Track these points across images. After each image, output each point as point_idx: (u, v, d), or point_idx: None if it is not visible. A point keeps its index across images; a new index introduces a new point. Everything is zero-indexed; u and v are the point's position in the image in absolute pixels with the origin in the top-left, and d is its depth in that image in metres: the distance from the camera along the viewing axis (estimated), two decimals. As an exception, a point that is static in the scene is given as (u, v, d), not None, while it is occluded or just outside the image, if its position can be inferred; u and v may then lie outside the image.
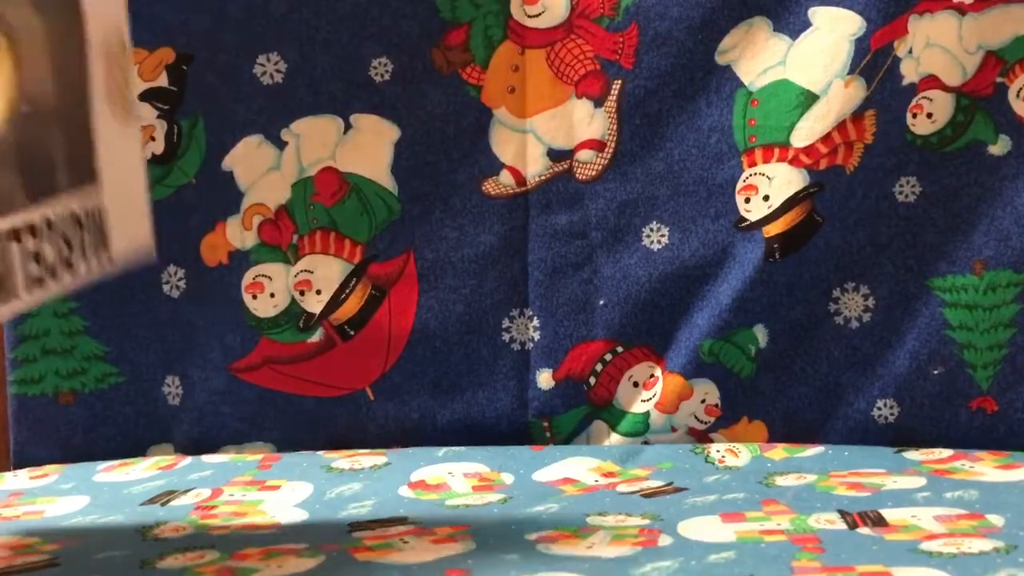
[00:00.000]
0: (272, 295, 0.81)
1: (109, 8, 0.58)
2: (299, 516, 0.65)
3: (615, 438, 0.79)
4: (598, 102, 0.79)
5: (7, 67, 0.50)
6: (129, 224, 0.59)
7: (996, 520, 0.57)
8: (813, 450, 0.73)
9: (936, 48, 0.75)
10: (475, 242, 0.80)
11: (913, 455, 0.71)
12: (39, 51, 0.52)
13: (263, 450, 0.80)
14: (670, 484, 0.68)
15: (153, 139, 0.80)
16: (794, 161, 0.75)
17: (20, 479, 0.77)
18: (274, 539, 0.59)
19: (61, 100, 0.54)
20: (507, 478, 0.71)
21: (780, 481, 0.67)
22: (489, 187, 0.80)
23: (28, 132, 0.51)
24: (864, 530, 0.56)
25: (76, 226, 0.53)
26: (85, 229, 0.54)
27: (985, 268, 0.75)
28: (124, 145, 0.58)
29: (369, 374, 0.81)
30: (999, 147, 0.75)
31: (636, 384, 0.79)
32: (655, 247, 0.78)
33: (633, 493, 0.66)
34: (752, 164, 0.77)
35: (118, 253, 0.57)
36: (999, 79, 0.75)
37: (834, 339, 0.77)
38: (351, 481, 0.71)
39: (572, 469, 0.72)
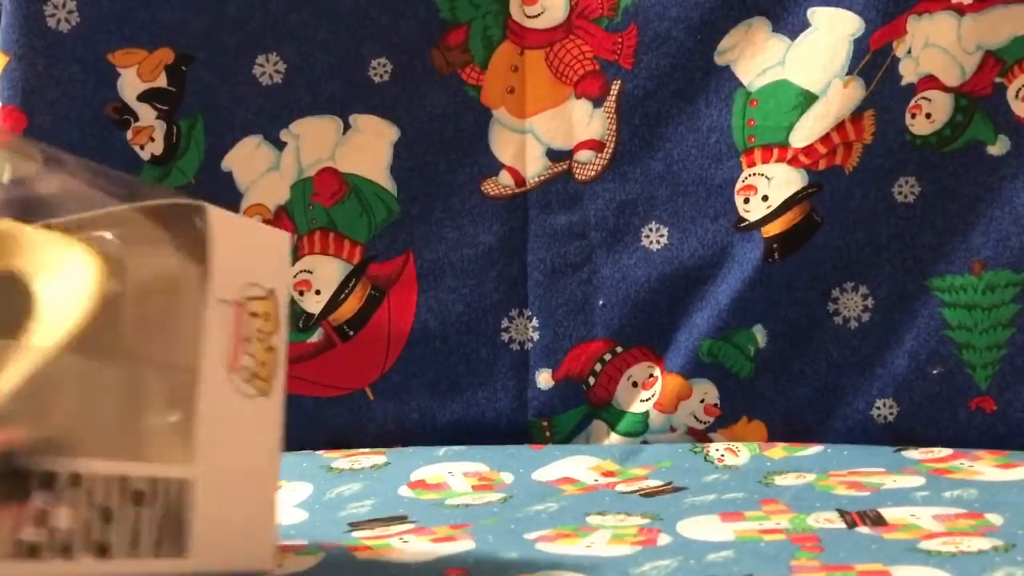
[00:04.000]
0: (271, 295, 0.80)
1: (252, 255, 0.47)
2: (299, 516, 0.65)
3: (614, 438, 0.79)
4: (597, 102, 0.79)
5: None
6: (235, 527, 0.45)
7: (995, 519, 0.56)
8: (812, 449, 0.73)
9: (935, 48, 0.75)
10: (474, 242, 0.80)
11: (912, 454, 0.71)
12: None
13: (262, 450, 0.80)
14: (669, 483, 0.68)
15: (152, 140, 0.80)
16: (793, 161, 0.76)
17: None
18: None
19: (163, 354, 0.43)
20: (507, 477, 0.71)
21: (779, 480, 0.67)
22: (488, 187, 0.80)
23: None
24: (863, 529, 0.56)
25: (123, 495, 0.40)
26: (145, 504, 0.41)
27: (984, 268, 0.75)
28: (245, 425, 0.46)
29: (369, 374, 0.81)
30: (998, 147, 0.75)
31: (635, 384, 0.79)
32: (654, 247, 0.78)
33: (632, 493, 0.66)
34: (751, 164, 0.77)
35: (202, 558, 0.42)
36: (998, 79, 0.75)
37: (833, 339, 0.77)
38: (351, 481, 0.71)
39: (572, 468, 0.72)
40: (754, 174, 0.77)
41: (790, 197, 0.76)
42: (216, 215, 0.45)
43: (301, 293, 0.80)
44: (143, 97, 0.79)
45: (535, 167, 0.80)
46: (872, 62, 0.74)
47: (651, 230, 0.79)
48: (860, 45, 0.74)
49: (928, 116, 0.76)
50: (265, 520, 0.48)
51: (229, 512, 0.45)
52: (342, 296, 0.80)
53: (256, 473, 0.47)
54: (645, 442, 0.78)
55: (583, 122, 0.79)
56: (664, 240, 0.78)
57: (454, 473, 0.72)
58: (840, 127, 0.75)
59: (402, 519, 0.63)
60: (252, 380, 0.46)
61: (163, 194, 0.46)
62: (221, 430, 0.44)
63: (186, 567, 0.42)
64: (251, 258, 0.46)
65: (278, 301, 0.47)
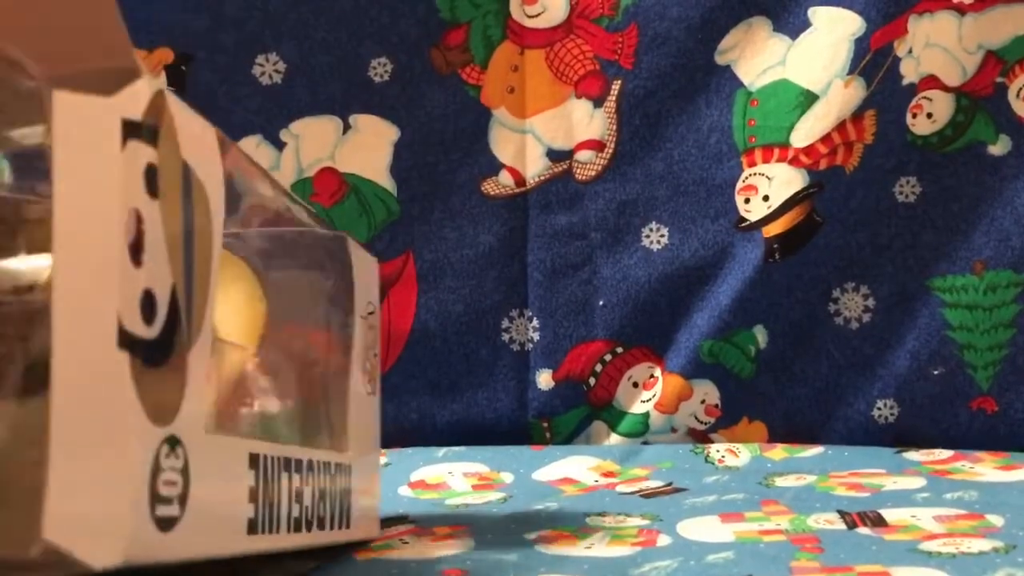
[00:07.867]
0: (271, 295, 0.80)
1: (369, 279, 0.56)
2: (298, 516, 0.64)
3: (615, 438, 0.79)
4: (597, 102, 0.79)
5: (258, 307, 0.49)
6: (366, 503, 0.54)
7: (996, 520, 0.56)
8: (813, 450, 0.73)
9: (936, 48, 0.75)
10: (474, 242, 0.80)
11: (913, 455, 0.71)
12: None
13: (262, 451, 0.80)
14: (669, 484, 0.68)
15: (152, 139, 0.79)
16: (794, 161, 0.75)
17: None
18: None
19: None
20: (507, 477, 0.71)
21: (780, 481, 0.67)
22: (488, 187, 0.80)
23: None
24: (863, 530, 0.56)
25: (331, 479, 0.49)
26: (332, 496, 0.49)
27: (985, 268, 0.75)
28: (368, 419, 0.56)
29: (368, 374, 0.80)
30: (999, 147, 0.75)
31: (636, 384, 0.79)
32: (655, 247, 0.78)
33: (632, 493, 0.66)
34: (752, 164, 0.77)
35: (354, 530, 0.52)
36: (999, 79, 0.75)
37: (834, 339, 0.77)
38: (350, 481, 0.70)
39: (572, 469, 0.72)
40: (755, 174, 0.77)
41: (791, 197, 0.76)
42: (352, 243, 0.54)
43: (301, 293, 0.80)
44: (143, 97, 0.79)
45: (535, 167, 0.80)
46: (873, 62, 0.74)
47: (651, 230, 0.78)
48: (861, 45, 0.74)
49: (929, 116, 0.75)
50: (376, 497, 0.58)
51: (362, 490, 0.54)
52: (342, 296, 0.80)
53: (371, 458, 0.57)
54: (646, 443, 0.78)
55: (583, 122, 0.79)
56: (664, 240, 0.78)
57: (454, 473, 0.72)
58: (841, 127, 0.75)
59: (402, 519, 0.62)
60: (371, 382, 0.56)
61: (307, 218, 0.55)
62: (359, 422, 0.54)
63: (348, 536, 0.52)
64: (366, 281, 0.55)
65: (379, 317, 0.58)
